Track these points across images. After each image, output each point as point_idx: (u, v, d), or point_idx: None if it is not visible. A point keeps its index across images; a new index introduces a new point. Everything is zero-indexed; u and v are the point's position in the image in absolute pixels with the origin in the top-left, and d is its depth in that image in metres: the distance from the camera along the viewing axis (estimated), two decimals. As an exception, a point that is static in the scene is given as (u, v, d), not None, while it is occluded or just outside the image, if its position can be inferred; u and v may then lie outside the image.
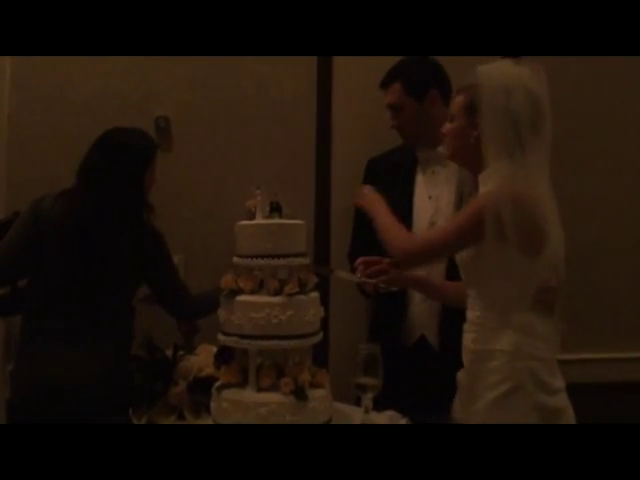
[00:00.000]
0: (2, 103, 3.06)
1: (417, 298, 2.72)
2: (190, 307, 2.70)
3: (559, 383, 2.13)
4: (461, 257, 2.21)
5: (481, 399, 2.11)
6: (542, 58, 2.19)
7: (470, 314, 2.20)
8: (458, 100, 2.23)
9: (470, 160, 2.21)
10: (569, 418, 2.14)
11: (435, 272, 2.62)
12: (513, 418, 2.05)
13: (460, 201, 2.62)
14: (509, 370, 2.09)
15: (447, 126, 2.25)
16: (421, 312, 2.72)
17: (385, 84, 2.85)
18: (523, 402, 2.07)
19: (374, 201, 2.37)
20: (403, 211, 2.74)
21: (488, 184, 2.12)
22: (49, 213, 2.51)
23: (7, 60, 3.03)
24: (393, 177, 2.83)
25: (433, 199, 2.77)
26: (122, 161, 2.53)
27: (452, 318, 2.44)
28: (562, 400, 2.13)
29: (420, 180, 2.83)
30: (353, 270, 2.45)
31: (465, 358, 2.20)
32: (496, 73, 2.12)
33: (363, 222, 2.55)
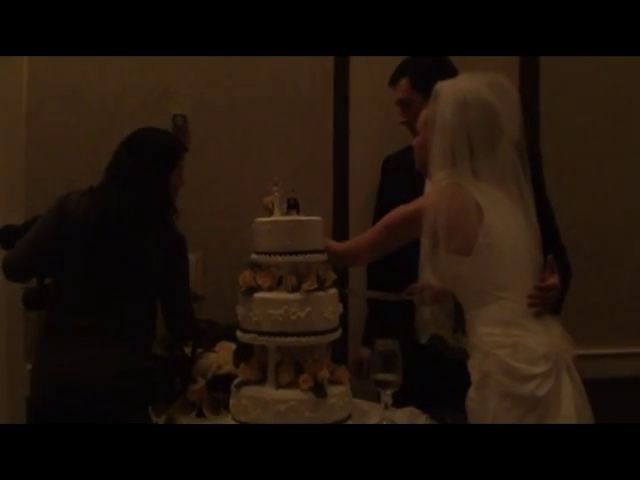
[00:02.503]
0: (20, 102, 3.08)
1: None
2: (186, 330, 2.63)
3: (535, 369, 2.04)
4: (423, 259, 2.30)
5: (470, 389, 2.12)
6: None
7: None
8: (422, 115, 2.29)
9: (427, 169, 2.28)
10: (559, 409, 2.05)
11: None
12: (489, 408, 2.04)
13: None
14: (479, 361, 2.09)
15: (416, 139, 2.33)
16: (433, 310, 2.70)
17: (393, 81, 2.86)
18: (494, 390, 2.05)
19: None
20: None
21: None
22: (74, 210, 2.50)
23: (24, 60, 3.04)
24: (406, 175, 2.83)
25: None
26: (149, 161, 2.52)
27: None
28: (542, 388, 2.03)
29: None
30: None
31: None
32: (453, 88, 2.17)
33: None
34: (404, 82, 2.82)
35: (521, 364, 2.04)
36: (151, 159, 2.53)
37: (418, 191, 2.79)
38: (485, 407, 2.06)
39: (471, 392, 2.11)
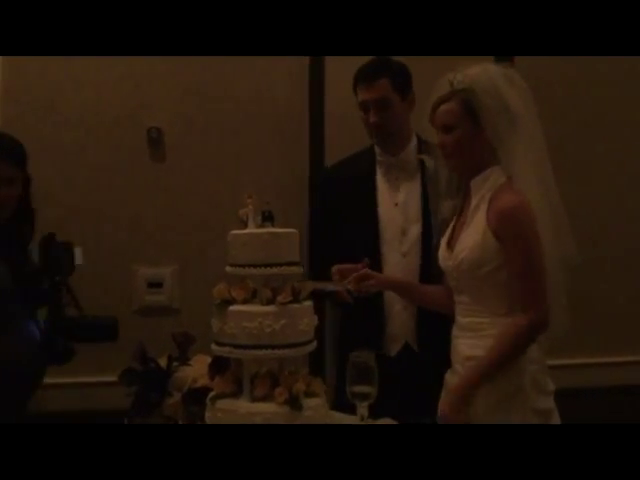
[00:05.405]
0: (-6, 116, 3.06)
1: (397, 308, 2.67)
2: None
3: (551, 385, 2.17)
4: (456, 264, 2.21)
5: (481, 402, 2.12)
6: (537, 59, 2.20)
7: (461, 320, 2.21)
8: (452, 108, 2.19)
9: (469, 167, 2.22)
10: (556, 420, 2.17)
11: (409, 277, 2.62)
12: (513, 421, 2.06)
13: (426, 208, 2.63)
14: (509, 374, 2.10)
15: (446, 137, 2.20)
16: (403, 321, 2.68)
17: (371, 79, 2.70)
18: (523, 404, 2.09)
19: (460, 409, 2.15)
20: (369, 220, 2.71)
21: (484, 188, 2.16)
22: None
23: (-2, 71, 3.03)
24: (353, 186, 2.78)
25: (400, 206, 2.71)
26: None
27: (430, 322, 2.45)
28: (552, 401, 2.16)
29: (383, 188, 2.75)
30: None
31: (458, 363, 2.20)
32: (484, 75, 2.16)
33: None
34: (384, 82, 2.68)
35: (546, 379, 2.15)
36: None
37: (367, 202, 2.73)
38: (507, 420, 2.07)
39: (488, 405, 2.11)
